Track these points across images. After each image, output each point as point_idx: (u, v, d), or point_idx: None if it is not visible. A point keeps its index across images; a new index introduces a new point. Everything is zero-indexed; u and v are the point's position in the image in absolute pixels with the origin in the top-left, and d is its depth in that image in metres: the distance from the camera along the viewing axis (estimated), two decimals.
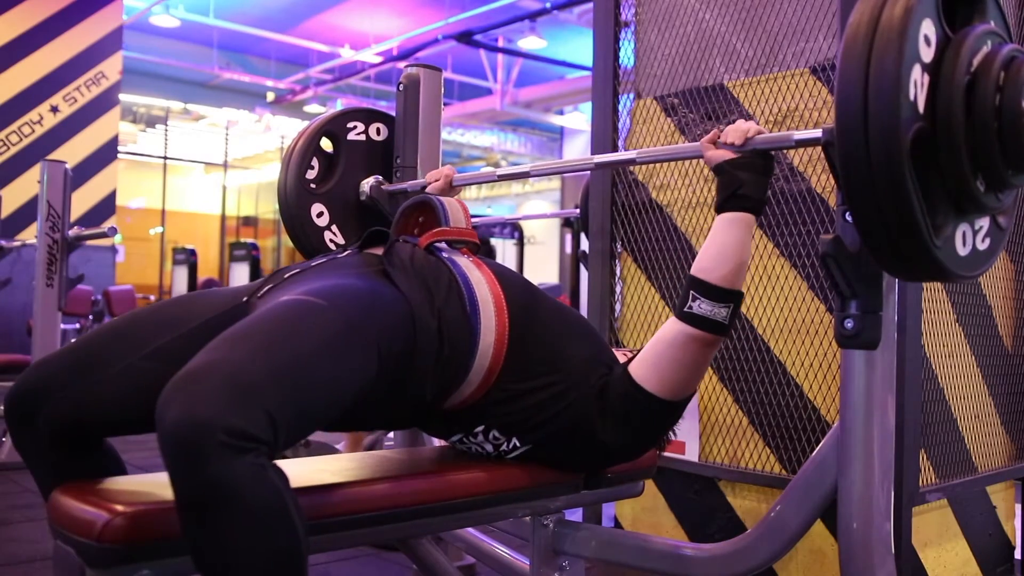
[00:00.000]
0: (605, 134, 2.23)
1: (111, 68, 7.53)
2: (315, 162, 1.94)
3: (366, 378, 1.09)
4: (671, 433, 1.45)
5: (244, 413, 0.89)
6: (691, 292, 1.25)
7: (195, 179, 15.58)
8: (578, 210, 3.79)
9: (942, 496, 1.86)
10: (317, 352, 1.01)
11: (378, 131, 2.01)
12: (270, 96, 13.82)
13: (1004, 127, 0.92)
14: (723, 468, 1.98)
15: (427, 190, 1.74)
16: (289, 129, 14.41)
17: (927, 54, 0.90)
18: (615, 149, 2.23)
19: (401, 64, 6.98)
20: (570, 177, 13.75)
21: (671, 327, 1.27)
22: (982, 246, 1.04)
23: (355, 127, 1.98)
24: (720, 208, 1.27)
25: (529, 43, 10.43)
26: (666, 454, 1.94)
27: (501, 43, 11.10)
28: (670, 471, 2.06)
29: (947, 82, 0.91)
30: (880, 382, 1.24)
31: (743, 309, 1.96)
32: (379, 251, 1.32)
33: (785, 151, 1.88)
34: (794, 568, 1.85)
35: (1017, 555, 2.20)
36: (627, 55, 2.25)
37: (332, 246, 1.93)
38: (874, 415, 1.23)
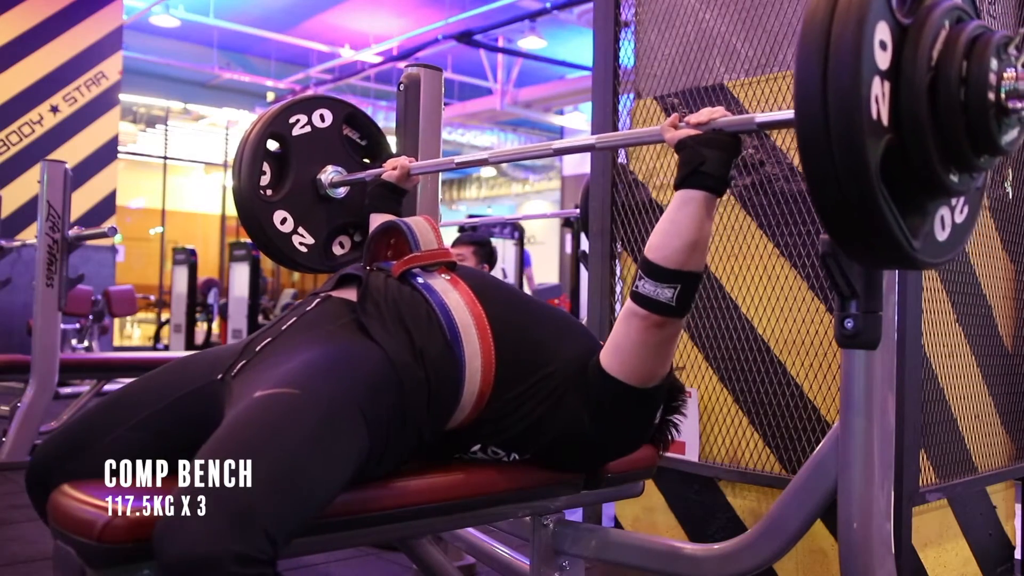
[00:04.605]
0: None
1: (111, 68, 7.54)
2: (266, 166, 1.88)
3: (361, 452, 1.08)
4: (671, 433, 1.45)
5: (245, 540, 0.88)
6: (638, 270, 1.21)
7: (195, 179, 15.57)
8: (578, 210, 3.79)
9: (942, 496, 1.86)
10: (305, 450, 1.00)
11: (322, 117, 1.94)
12: (270, 96, 13.80)
13: (972, 121, 0.87)
14: (723, 468, 1.98)
15: (384, 177, 1.73)
16: None
17: (884, 60, 0.84)
18: (615, 149, 2.22)
19: (401, 64, 6.98)
20: (570, 177, 13.74)
21: (625, 306, 1.24)
22: (960, 218, 1.02)
23: (298, 120, 1.91)
24: (679, 184, 1.20)
25: (529, 43, 10.43)
26: (666, 454, 1.94)
27: (501, 43, 11.10)
28: (670, 471, 2.06)
29: (908, 87, 0.86)
30: (880, 382, 1.24)
31: (743, 309, 1.96)
32: (350, 293, 1.30)
33: (786, 150, 1.88)
34: (794, 568, 1.85)
35: (1017, 555, 2.20)
36: (627, 55, 2.25)
37: (303, 249, 1.89)
38: (874, 415, 1.23)
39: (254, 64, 13.22)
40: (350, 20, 11.53)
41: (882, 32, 0.84)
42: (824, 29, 0.83)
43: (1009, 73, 0.88)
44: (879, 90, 0.83)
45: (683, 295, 1.18)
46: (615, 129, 2.23)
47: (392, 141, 2.06)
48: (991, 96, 0.87)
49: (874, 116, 0.83)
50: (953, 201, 0.99)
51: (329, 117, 1.96)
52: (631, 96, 2.24)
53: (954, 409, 1.92)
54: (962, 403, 1.95)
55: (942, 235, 0.98)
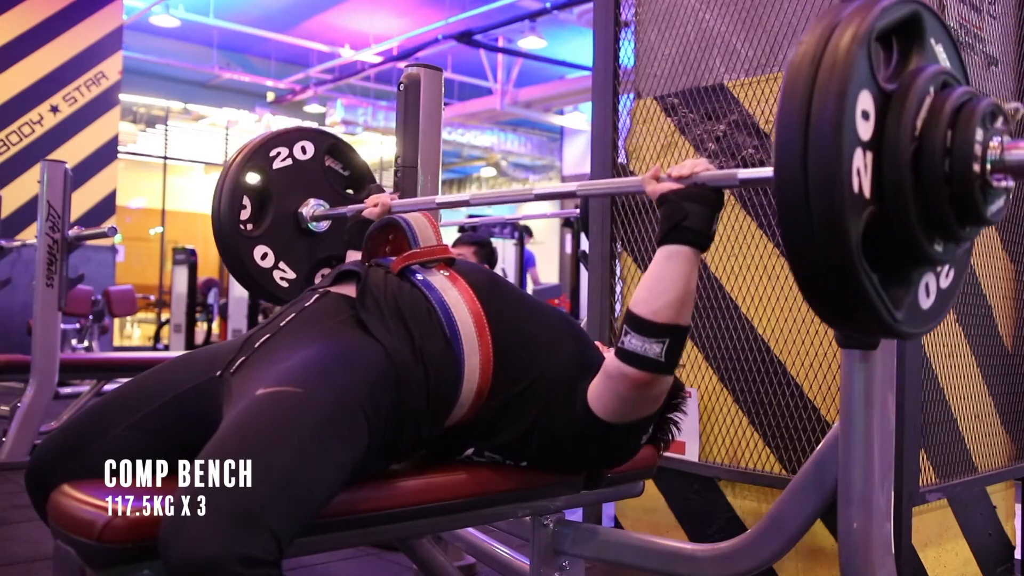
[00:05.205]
0: (605, 134, 2.23)
1: (111, 68, 7.54)
2: (246, 200, 1.85)
3: (361, 450, 1.08)
4: (671, 432, 1.45)
5: (250, 541, 0.88)
6: (624, 326, 1.19)
7: (195, 179, 15.57)
8: (578, 210, 3.80)
9: (942, 496, 1.86)
10: (308, 450, 1.00)
11: (303, 150, 1.91)
12: (270, 96, 13.81)
13: (956, 193, 0.85)
14: (723, 468, 1.98)
15: (364, 214, 1.69)
16: None
17: (866, 131, 0.82)
18: (615, 149, 2.23)
19: (401, 64, 6.98)
20: (570, 177, 13.74)
21: (609, 361, 1.22)
22: (946, 283, 1.00)
23: (279, 153, 1.87)
24: (662, 240, 1.19)
25: (529, 43, 10.42)
26: (666, 454, 1.94)
27: (501, 43, 11.09)
28: (670, 471, 2.06)
29: (891, 158, 0.83)
30: (880, 382, 1.24)
31: (743, 309, 1.96)
32: (349, 289, 1.29)
33: None
34: (794, 568, 1.85)
35: (1017, 555, 2.20)
36: (627, 55, 2.25)
37: (284, 284, 1.87)
38: (874, 415, 1.23)
39: (254, 64, 13.22)
40: (350, 20, 11.53)
41: (864, 102, 0.82)
42: (805, 99, 0.81)
43: (995, 143, 0.86)
44: (861, 162, 0.82)
45: (671, 350, 1.17)
46: (615, 129, 2.23)
47: (392, 141, 2.06)
48: (976, 168, 0.85)
49: (856, 189, 0.81)
50: (938, 267, 0.98)
51: (311, 149, 1.92)
52: (631, 96, 2.24)
53: (954, 409, 1.92)
54: (962, 403, 1.95)
55: (926, 303, 0.96)
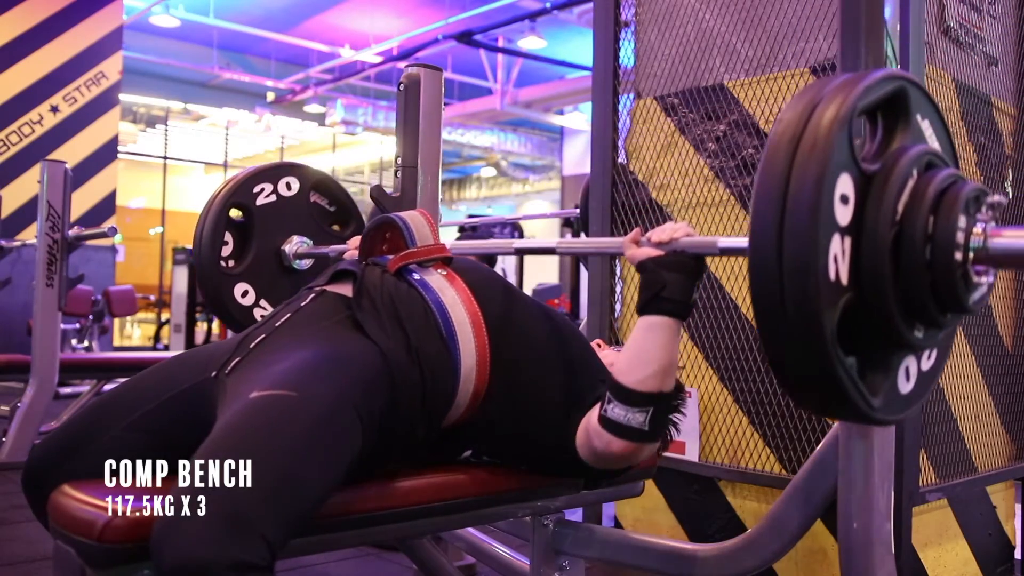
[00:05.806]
0: (605, 134, 2.23)
1: (111, 68, 7.54)
2: (228, 236, 1.83)
3: (355, 451, 1.07)
4: (671, 433, 1.45)
5: (243, 545, 0.88)
6: (607, 394, 1.17)
7: (195, 179, 15.57)
8: (578, 210, 3.79)
9: (942, 496, 1.86)
10: (303, 454, 0.99)
11: (288, 186, 1.89)
12: (270, 96, 13.81)
13: (937, 280, 0.82)
14: (723, 468, 1.98)
15: (346, 256, 1.66)
16: (289, 129, 14.38)
17: (845, 216, 0.79)
18: (615, 149, 2.23)
19: (401, 64, 6.97)
20: (570, 177, 13.74)
21: (594, 428, 1.19)
22: (928, 365, 0.97)
23: (263, 189, 1.86)
24: (641, 310, 1.17)
25: (529, 43, 10.42)
26: (666, 454, 1.94)
27: (501, 43, 11.09)
28: (670, 471, 2.06)
29: (870, 244, 0.80)
30: None
31: (743, 309, 1.96)
32: (345, 288, 1.28)
33: None
34: (794, 568, 1.85)
35: (1017, 555, 2.20)
36: (627, 55, 2.25)
37: None
38: None
39: (254, 64, 13.22)
40: (350, 20, 11.53)
41: (844, 185, 0.79)
42: (782, 181, 0.79)
43: (978, 229, 0.84)
44: (839, 248, 0.79)
45: (656, 418, 1.15)
46: (615, 129, 2.23)
47: (392, 141, 2.06)
48: (958, 256, 0.82)
49: (832, 277, 0.78)
50: (919, 351, 0.95)
51: (296, 185, 1.91)
52: (631, 96, 2.24)
53: (954, 409, 1.92)
54: (962, 403, 1.95)
55: (906, 387, 0.93)
